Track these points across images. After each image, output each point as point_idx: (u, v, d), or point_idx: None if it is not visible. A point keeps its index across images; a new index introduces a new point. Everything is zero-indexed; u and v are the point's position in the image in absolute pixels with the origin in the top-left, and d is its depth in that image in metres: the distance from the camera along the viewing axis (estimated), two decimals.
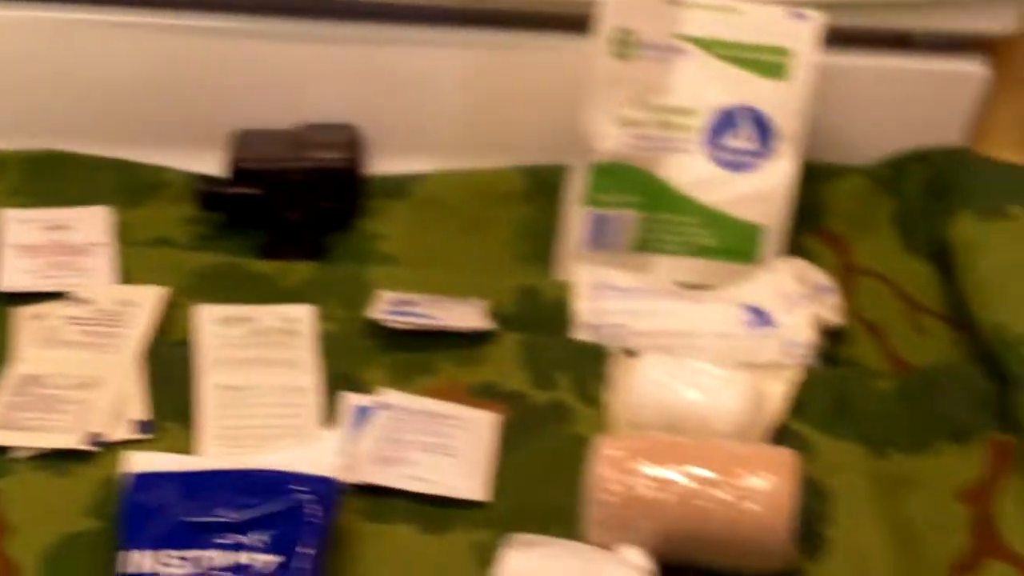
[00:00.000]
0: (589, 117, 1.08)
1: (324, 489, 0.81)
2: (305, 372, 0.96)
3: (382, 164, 1.20)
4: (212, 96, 1.20)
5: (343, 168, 1.14)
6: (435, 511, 0.86)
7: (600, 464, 0.81)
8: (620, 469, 0.80)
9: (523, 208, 1.17)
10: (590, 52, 1.07)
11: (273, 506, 0.79)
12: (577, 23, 1.09)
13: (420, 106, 1.21)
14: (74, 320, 0.99)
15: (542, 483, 0.88)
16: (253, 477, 0.82)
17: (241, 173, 1.13)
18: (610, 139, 1.08)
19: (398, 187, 1.19)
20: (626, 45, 1.07)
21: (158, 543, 0.78)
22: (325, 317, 1.02)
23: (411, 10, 1.19)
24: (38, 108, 1.18)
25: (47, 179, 1.15)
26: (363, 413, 0.92)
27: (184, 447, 0.90)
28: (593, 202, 1.09)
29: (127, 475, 0.83)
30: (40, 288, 1.03)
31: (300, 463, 0.82)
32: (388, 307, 1.01)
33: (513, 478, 0.89)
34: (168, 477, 0.82)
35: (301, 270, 1.08)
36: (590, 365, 0.97)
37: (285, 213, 1.11)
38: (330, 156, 1.15)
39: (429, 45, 1.20)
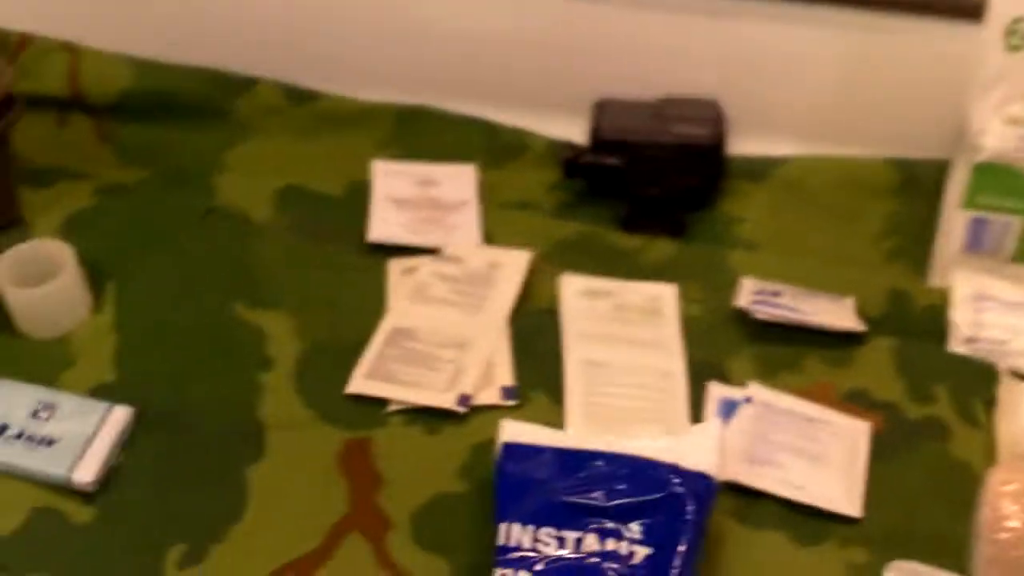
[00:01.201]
0: (973, 113, 1.02)
1: (702, 485, 0.79)
2: (671, 355, 0.94)
3: (742, 144, 1.17)
4: (576, 61, 1.19)
5: (708, 145, 1.11)
6: (806, 521, 0.83)
7: (996, 498, 0.77)
8: (1020, 505, 0.75)
9: (891, 202, 1.12)
10: (980, 43, 1.01)
11: (650, 496, 0.78)
12: (963, 9, 1.02)
13: (787, 86, 1.17)
14: (444, 278, 1.00)
15: (918, 505, 0.84)
16: (630, 463, 0.80)
17: (603, 143, 1.11)
18: (995, 138, 1.02)
19: (759, 169, 1.15)
20: (1019, 37, 1.00)
21: (535, 519, 0.78)
22: (687, 298, 1.00)
23: None
24: (409, 62, 1.19)
25: (414, 133, 1.17)
26: (730, 406, 0.90)
27: (549, 418, 0.89)
28: (973, 205, 1.03)
29: (503, 444, 0.83)
30: (409, 242, 1.04)
31: (678, 454, 0.80)
32: (754, 296, 0.98)
33: (887, 496, 0.85)
34: (543, 451, 0.82)
35: (661, 247, 1.07)
36: (972, 382, 0.91)
37: (646, 187, 1.10)
38: (695, 132, 1.12)
39: (803, 23, 1.15)
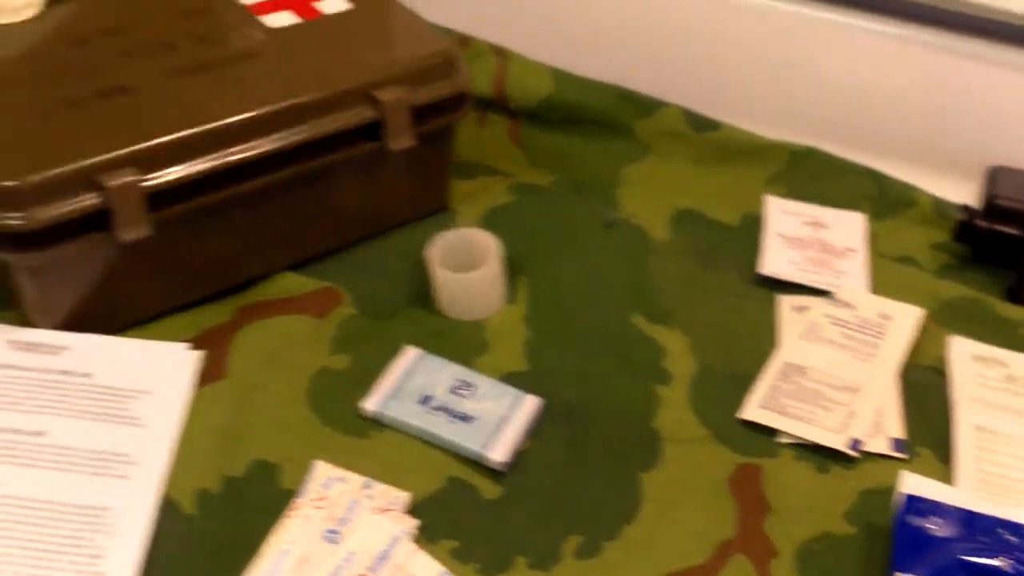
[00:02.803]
0: None
1: None
2: None
3: None
4: (970, 125, 1.20)
5: None
6: None
7: None
8: None
9: None
10: None
11: None
12: None
13: None
14: (836, 321, 1.03)
15: None
16: None
17: (998, 210, 1.12)
18: None
19: None
20: None
21: (934, 574, 0.80)
22: None
23: None
24: (803, 105, 1.23)
25: (804, 174, 1.20)
26: None
27: (937, 477, 0.91)
28: None
29: (906, 495, 0.85)
30: (799, 280, 1.07)
31: None
32: None
33: None
34: (945, 509, 0.84)
35: None
36: None
37: None
38: None
39: None
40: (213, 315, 0.98)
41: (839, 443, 0.93)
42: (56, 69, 0.94)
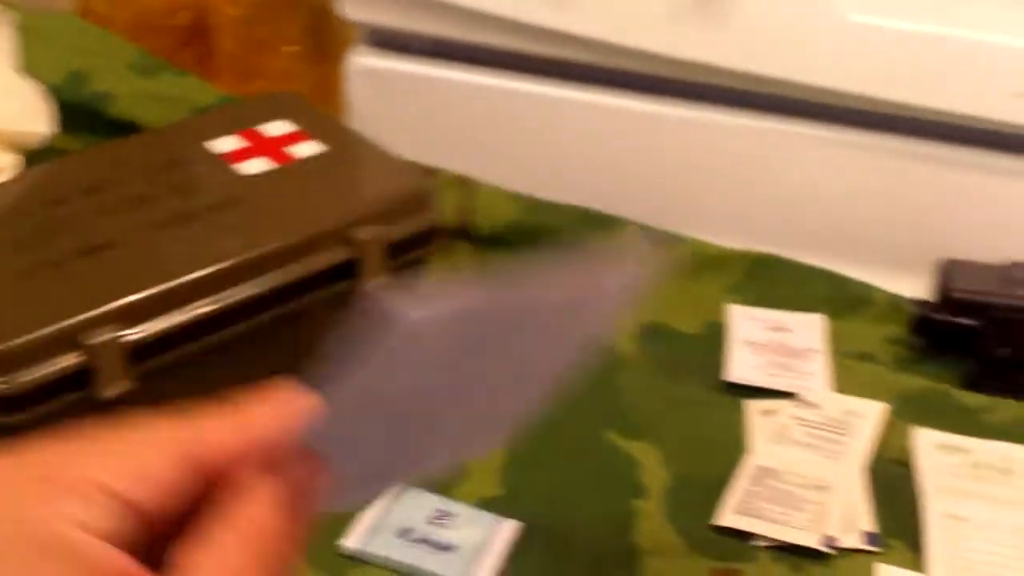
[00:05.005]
0: None
1: None
2: None
3: None
4: (919, 222, 1.25)
5: None
6: None
7: None
8: None
9: None
10: None
11: None
12: None
13: None
14: (803, 422, 1.06)
15: None
16: None
17: (952, 302, 1.16)
18: None
19: None
20: None
21: None
22: None
23: None
24: (758, 212, 1.28)
25: (763, 280, 1.24)
26: None
27: (911, 568, 0.94)
28: None
29: None
30: (764, 384, 1.10)
31: None
32: None
33: None
34: None
35: (1008, 408, 1.10)
36: None
37: (996, 348, 1.14)
38: None
39: None
40: None
41: (813, 541, 0.95)
42: (35, 230, 0.98)
